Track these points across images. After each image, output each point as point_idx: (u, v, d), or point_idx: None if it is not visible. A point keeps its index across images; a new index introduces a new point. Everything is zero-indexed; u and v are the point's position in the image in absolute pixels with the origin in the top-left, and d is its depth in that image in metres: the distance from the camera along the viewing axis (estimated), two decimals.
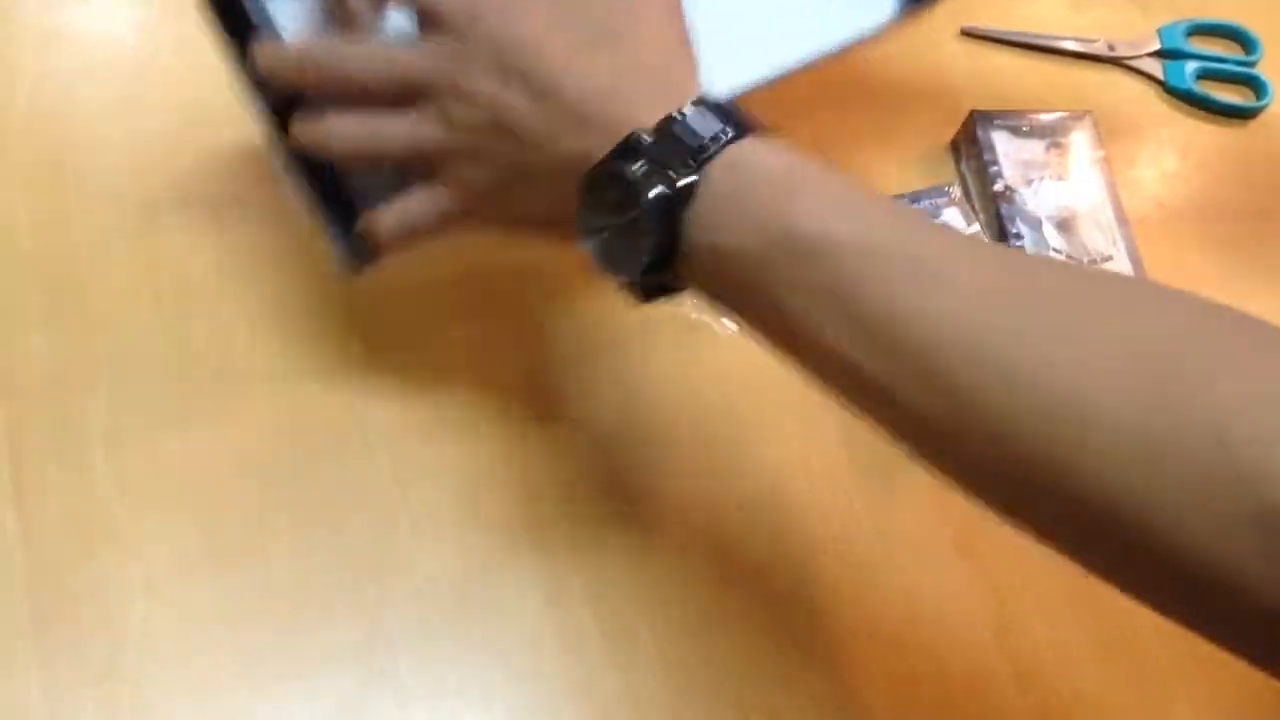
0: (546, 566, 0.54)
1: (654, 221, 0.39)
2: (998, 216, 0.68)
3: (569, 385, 0.59)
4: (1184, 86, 0.77)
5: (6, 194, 0.58)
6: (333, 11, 0.49)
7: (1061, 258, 0.67)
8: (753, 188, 0.39)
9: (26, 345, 0.55)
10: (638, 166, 0.39)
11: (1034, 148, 0.70)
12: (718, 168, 0.40)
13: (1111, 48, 0.78)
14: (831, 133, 0.70)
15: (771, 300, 0.39)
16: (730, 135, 0.40)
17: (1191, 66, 0.77)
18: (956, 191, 0.68)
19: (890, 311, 0.36)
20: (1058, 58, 0.77)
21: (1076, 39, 0.78)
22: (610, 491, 0.57)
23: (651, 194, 0.39)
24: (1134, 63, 0.78)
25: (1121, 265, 0.68)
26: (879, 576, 0.58)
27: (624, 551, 0.56)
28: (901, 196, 0.67)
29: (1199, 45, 0.79)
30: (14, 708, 0.48)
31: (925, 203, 0.67)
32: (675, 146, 0.40)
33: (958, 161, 0.72)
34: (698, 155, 0.39)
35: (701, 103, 0.41)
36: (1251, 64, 0.79)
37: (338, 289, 0.58)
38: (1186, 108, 0.77)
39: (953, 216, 0.67)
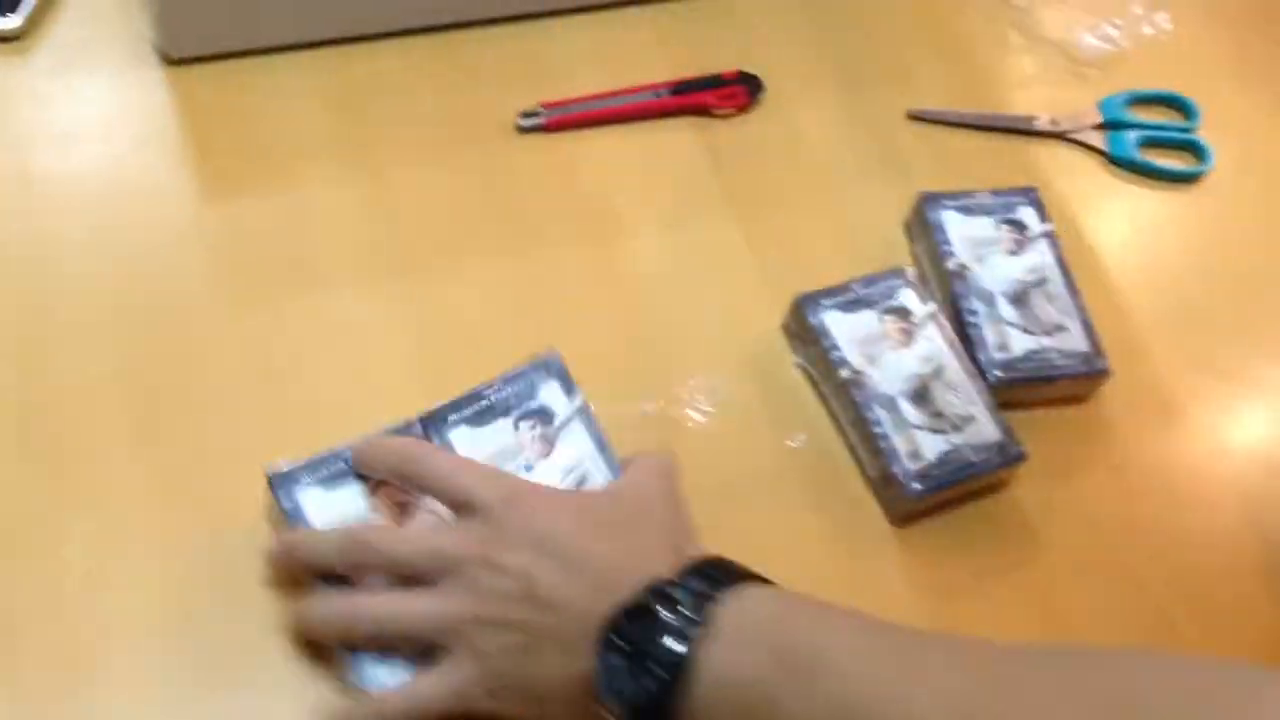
0: None
1: (664, 658, 0.45)
2: (952, 295, 0.70)
3: None
4: (1127, 155, 0.79)
5: None
6: (379, 506, 0.54)
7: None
8: (755, 624, 0.45)
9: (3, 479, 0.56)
10: (659, 608, 0.46)
11: (983, 225, 0.72)
12: (724, 613, 0.46)
13: (1055, 122, 0.80)
14: (787, 223, 0.73)
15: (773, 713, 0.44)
16: (729, 585, 0.47)
17: (1133, 135, 0.80)
18: (912, 272, 0.70)
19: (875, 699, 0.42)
20: (1004, 135, 0.79)
21: (1020, 116, 0.80)
22: None
23: (666, 639, 0.45)
24: (1078, 136, 0.80)
25: (1076, 334, 0.69)
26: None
27: None
28: (858, 280, 0.68)
29: (1139, 115, 0.82)
30: None
31: (882, 285, 0.69)
32: (691, 594, 0.46)
33: (911, 242, 0.74)
34: (704, 604, 0.46)
35: (703, 565, 0.48)
36: (1191, 130, 0.82)
37: None
38: (1131, 176, 0.80)
39: (908, 298, 0.69)
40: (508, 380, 0.59)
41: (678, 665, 0.45)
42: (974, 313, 0.69)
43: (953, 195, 0.73)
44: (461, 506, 0.52)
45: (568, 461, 0.58)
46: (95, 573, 0.55)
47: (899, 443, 0.63)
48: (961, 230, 0.72)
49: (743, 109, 0.76)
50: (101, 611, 0.54)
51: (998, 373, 0.67)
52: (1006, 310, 0.69)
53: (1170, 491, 0.68)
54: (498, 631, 0.49)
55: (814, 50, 0.80)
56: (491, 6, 0.75)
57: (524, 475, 0.57)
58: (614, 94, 0.74)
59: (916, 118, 0.79)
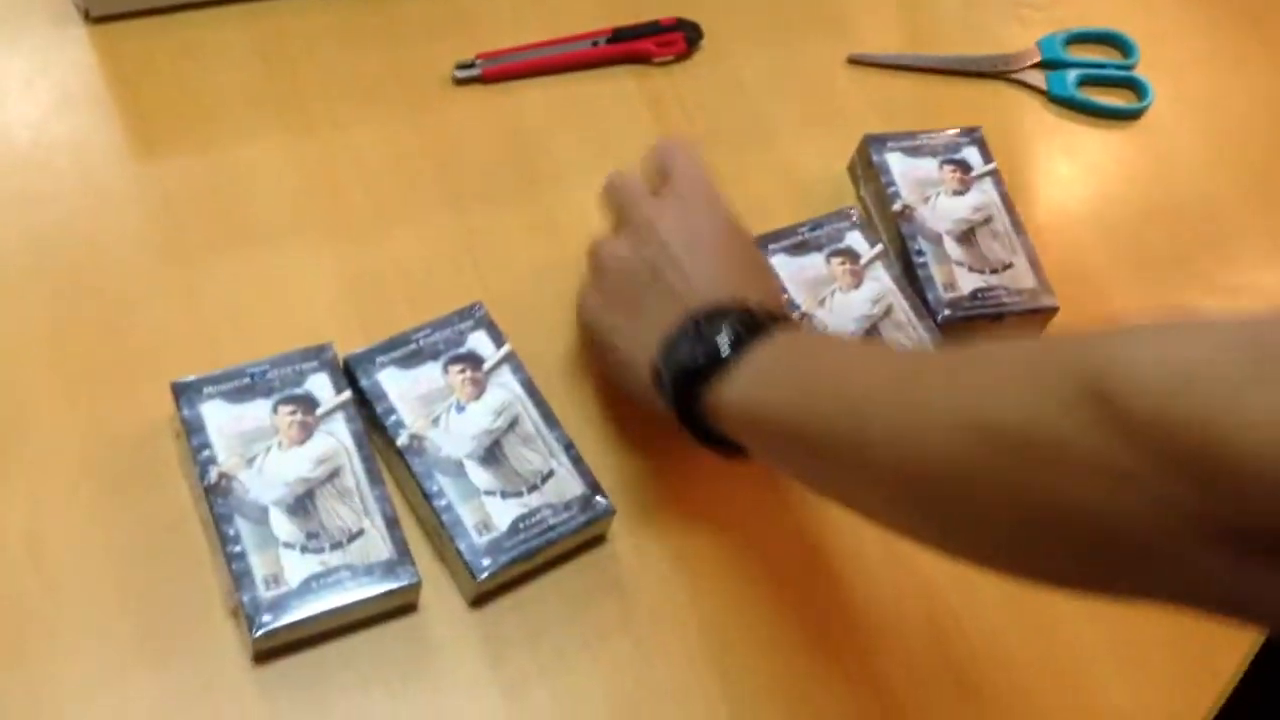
0: None
1: (729, 341, 0.53)
2: (899, 235, 0.69)
3: None
4: (1066, 94, 0.79)
5: None
6: (280, 425, 0.56)
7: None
8: (796, 349, 0.53)
9: None
10: (735, 315, 0.54)
11: (928, 166, 0.72)
12: (781, 331, 0.54)
13: (995, 63, 0.80)
14: (734, 168, 0.72)
15: (783, 392, 0.51)
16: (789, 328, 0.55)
17: (1073, 74, 0.80)
18: (857, 214, 0.70)
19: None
20: (943, 77, 0.79)
21: (960, 58, 0.80)
22: None
23: (732, 332, 0.53)
24: (1018, 75, 0.80)
25: (1022, 272, 0.70)
26: (816, 589, 0.59)
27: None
28: (804, 223, 0.68)
29: (1078, 54, 0.82)
30: None
31: (828, 227, 0.69)
32: (758, 318, 0.54)
33: (856, 186, 0.73)
34: (765, 325, 0.53)
35: (777, 313, 0.56)
36: (1130, 67, 0.82)
37: None
38: (1071, 114, 0.80)
39: (855, 239, 0.69)
40: (435, 327, 0.59)
41: (730, 348, 0.52)
42: (921, 253, 0.69)
43: (896, 136, 0.72)
44: (662, 179, 0.61)
45: (498, 403, 0.58)
46: (36, 535, 0.53)
47: None
48: (906, 171, 0.71)
49: (682, 56, 0.75)
50: (46, 573, 0.52)
51: (946, 311, 0.67)
52: (954, 250, 0.69)
53: None
54: (620, 281, 0.58)
55: None
56: None
57: (456, 416, 0.57)
58: (551, 43, 0.73)
59: (856, 62, 0.78)
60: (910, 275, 0.68)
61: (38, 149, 0.64)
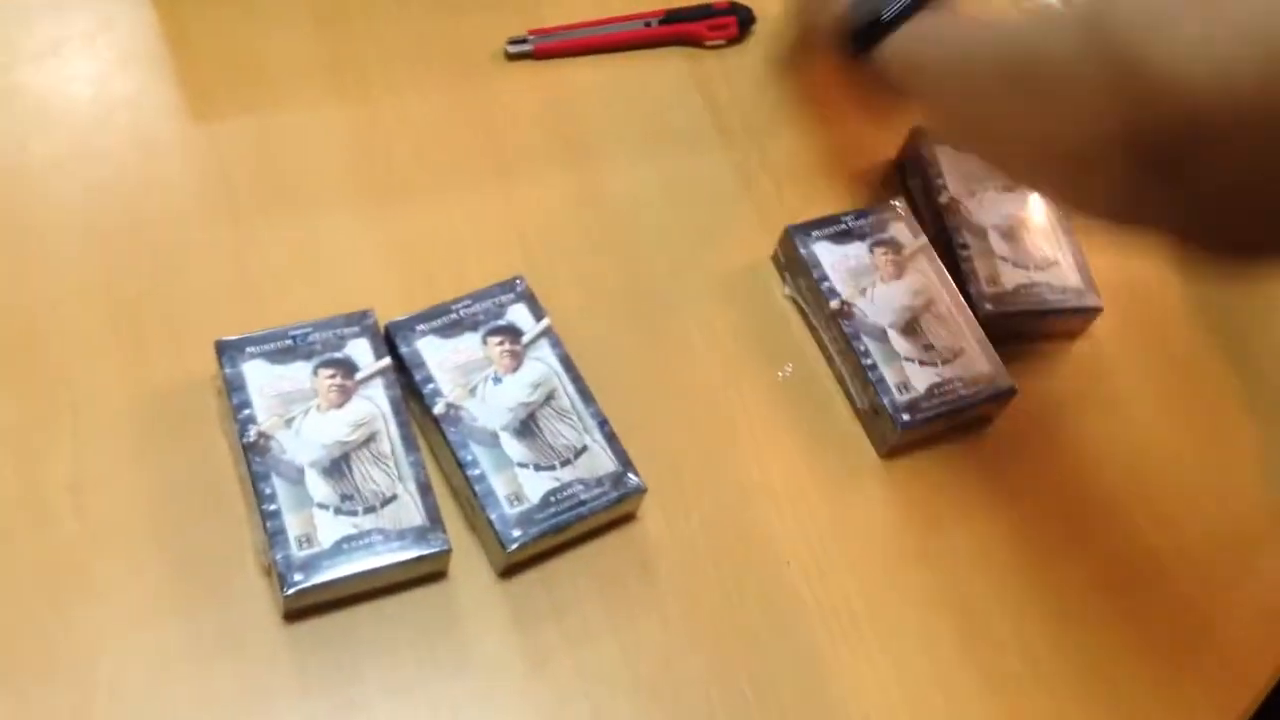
0: None
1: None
2: (944, 229, 0.69)
3: None
4: None
5: None
6: (319, 387, 0.56)
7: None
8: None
9: None
10: None
11: (977, 160, 0.71)
12: None
13: None
14: (779, 156, 0.72)
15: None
16: None
17: None
18: (903, 206, 0.69)
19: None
20: None
21: None
22: None
23: None
24: None
25: (1067, 269, 0.69)
26: (844, 585, 0.59)
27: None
28: (849, 213, 0.68)
29: None
30: None
31: (873, 218, 0.68)
32: None
33: (904, 178, 0.73)
34: None
35: None
36: None
37: None
38: None
39: (899, 231, 0.68)
40: (476, 298, 0.60)
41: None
42: (965, 246, 0.68)
43: None
44: None
45: (535, 376, 0.58)
46: (78, 482, 0.54)
47: (888, 374, 0.63)
48: (956, 164, 0.71)
49: (733, 40, 0.75)
50: (86, 519, 0.54)
51: (988, 306, 0.67)
52: (998, 244, 0.69)
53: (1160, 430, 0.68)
54: None
55: None
56: None
57: (493, 387, 0.57)
58: (603, 22, 0.73)
59: None
60: (953, 269, 0.68)
61: (97, 105, 0.65)
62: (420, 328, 0.59)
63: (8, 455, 0.54)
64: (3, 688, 0.50)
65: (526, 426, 0.57)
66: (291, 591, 0.52)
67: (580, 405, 0.58)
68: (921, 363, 0.64)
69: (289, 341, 0.57)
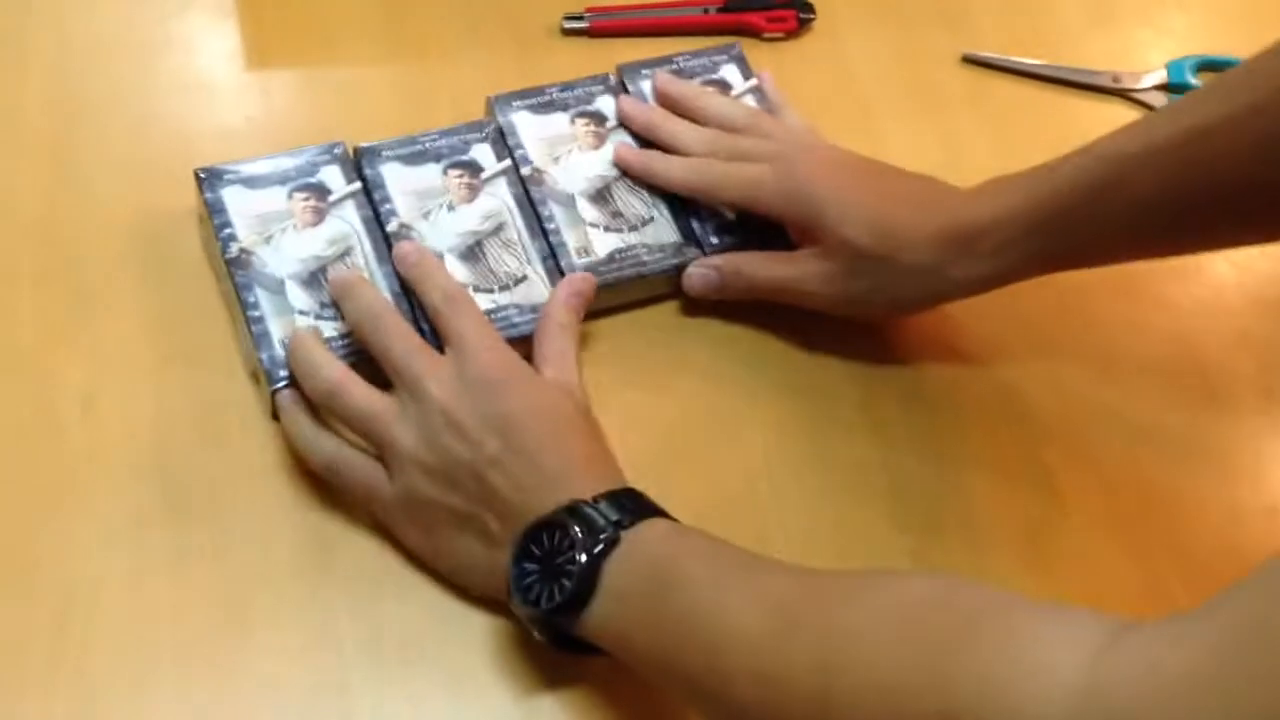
0: None
1: (579, 572, 0.48)
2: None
3: None
4: None
5: (16, 168, 0.62)
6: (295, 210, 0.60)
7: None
8: (648, 549, 0.49)
9: (15, 308, 0.58)
10: (576, 528, 0.49)
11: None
12: (627, 537, 0.49)
13: (1116, 79, 0.78)
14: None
15: (648, 632, 0.48)
16: (638, 516, 0.50)
17: None
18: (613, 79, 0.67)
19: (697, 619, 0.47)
20: (1059, 87, 0.77)
21: (1080, 70, 0.78)
22: None
23: (581, 556, 0.48)
24: (1139, 96, 0.78)
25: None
26: None
27: None
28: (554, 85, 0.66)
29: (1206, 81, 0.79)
30: None
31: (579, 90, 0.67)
32: (603, 517, 0.49)
33: None
34: (612, 528, 0.49)
35: (619, 493, 0.51)
36: None
37: None
38: None
39: (606, 103, 0.67)
40: (443, 134, 0.63)
41: (582, 581, 0.48)
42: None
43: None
44: (450, 343, 0.55)
45: (488, 209, 0.62)
46: (92, 402, 0.56)
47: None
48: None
49: (791, 34, 0.75)
50: (93, 439, 0.56)
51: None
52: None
53: None
54: (433, 485, 0.52)
55: None
56: None
57: (445, 215, 0.61)
58: (661, 4, 0.74)
59: (970, 61, 0.77)
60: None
61: (154, 45, 0.67)
62: (386, 154, 0.62)
63: (30, 363, 0.57)
64: None
65: (472, 252, 0.61)
66: (277, 387, 0.55)
67: (527, 239, 0.61)
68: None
69: (266, 168, 0.60)
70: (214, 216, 0.59)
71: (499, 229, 0.62)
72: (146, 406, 0.57)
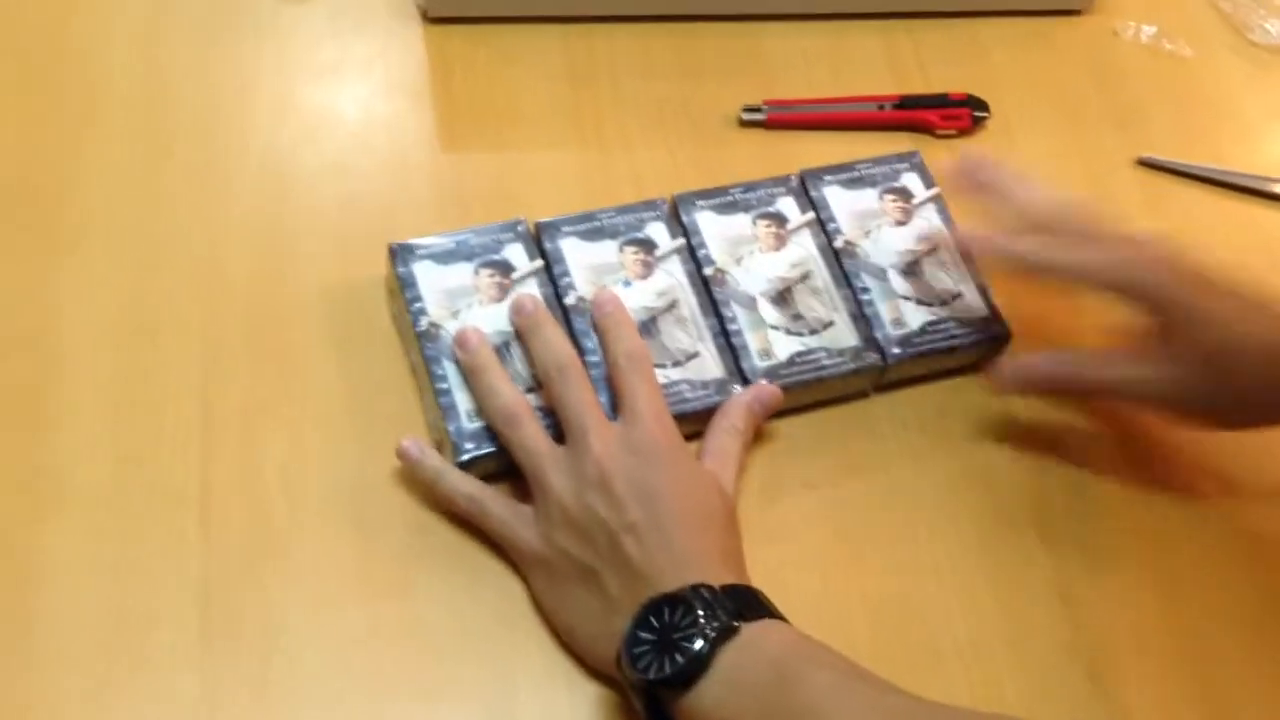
0: None
1: (695, 652, 0.49)
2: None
3: None
4: None
5: (231, 240, 0.66)
6: (480, 286, 0.63)
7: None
8: (768, 646, 0.50)
9: (227, 380, 0.62)
10: (700, 609, 0.50)
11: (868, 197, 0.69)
12: (747, 630, 0.50)
13: None
14: None
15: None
16: (757, 614, 0.51)
17: None
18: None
19: None
20: (1238, 195, 0.77)
21: (1261, 178, 0.77)
22: None
23: (699, 638, 0.49)
24: None
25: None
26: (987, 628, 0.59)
27: None
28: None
29: None
30: (174, 703, 0.53)
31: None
32: (725, 608, 0.50)
33: None
34: (733, 619, 0.50)
35: (743, 589, 0.52)
36: None
37: None
38: None
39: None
40: (619, 211, 0.66)
41: (695, 661, 0.49)
42: (866, 290, 0.66)
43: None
44: (623, 402, 0.57)
45: (662, 286, 0.64)
46: (290, 468, 0.60)
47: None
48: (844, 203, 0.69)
49: (965, 131, 0.76)
50: (294, 502, 0.59)
51: (896, 350, 0.64)
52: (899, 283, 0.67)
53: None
54: (569, 536, 0.55)
55: (1047, 84, 0.80)
56: (727, 3, 0.78)
57: (621, 290, 0.63)
58: (838, 100, 0.76)
59: (1146, 164, 0.77)
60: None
61: (361, 125, 0.71)
62: (565, 229, 0.65)
63: (240, 432, 0.60)
64: (199, 643, 0.55)
65: (647, 328, 0.63)
66: (464, 458, 0.58)
67: (699, 316, 0.63)
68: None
69: (453, 245, 0.63)
70: (405, 290, 0.62)
71: (672, 306, 0.64)
72: (343, 475, 0.59)
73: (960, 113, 0.76)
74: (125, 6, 0.73)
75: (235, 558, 0.57)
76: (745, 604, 0.51)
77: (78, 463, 0.58)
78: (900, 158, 0.70)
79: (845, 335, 0.64)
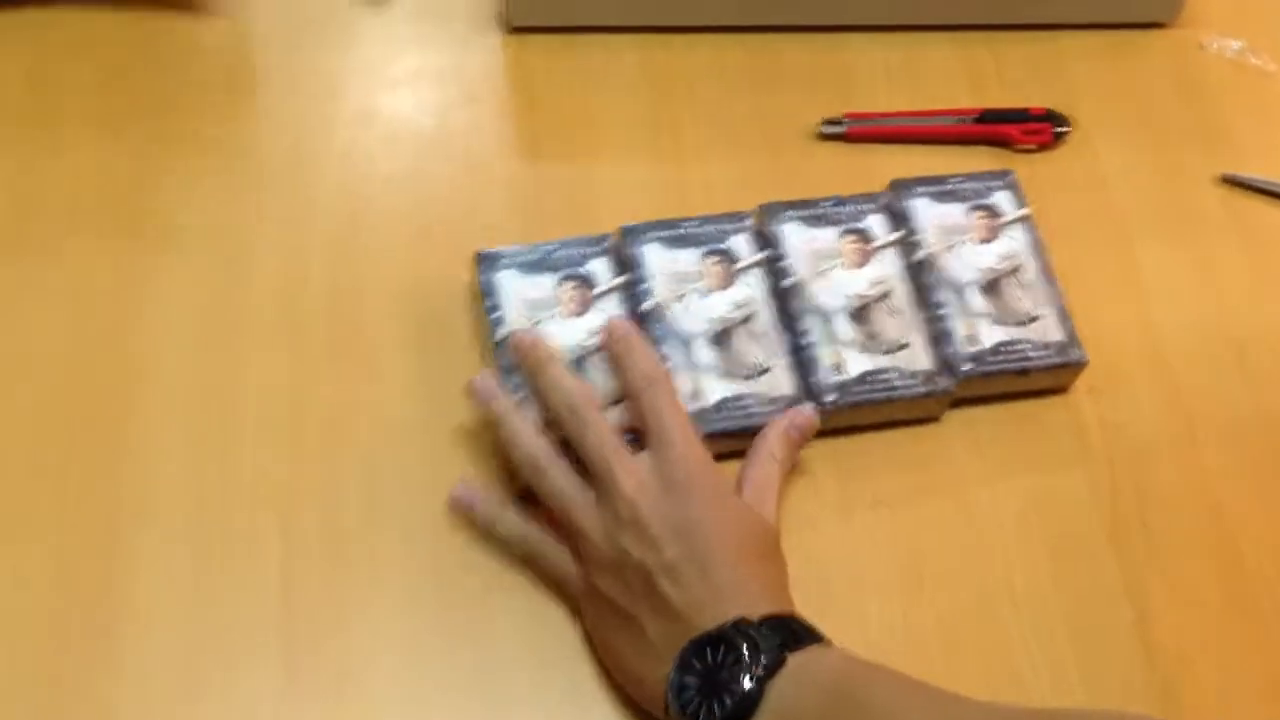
0: None
1: (745, 691, 0.48)
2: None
3: None
4: None
5: (309, 246, 0.67)
6: (560, 299, 0.62)
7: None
8: (819, 674, 0.49)
9: (311, 387, 0.62)
10: (744, 646, 0.49)
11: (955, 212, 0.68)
12: (793, 660, 0.49)
13: None
14: (1076, 268, 0.71)
15: None
16: (802, 642, 0.50)
17: None
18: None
19: None
20: None
21: None
22: None
23: (746, 676, 0.48)
24: None
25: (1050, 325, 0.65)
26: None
27: None
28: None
29: None
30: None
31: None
32: (769, 640, 0.49)
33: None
34: (778, 652, 0.49)
35: (787, 619, 0.51)
36: None
37: None
38: None
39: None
40: (704, 221, 0.66)
41: (746, 700, 0.48)
42: (941, 304, 0.65)
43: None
44: (649, 430, 0.56)
45: (740, 298, 0.64)
46: (371, 477, 0.60)
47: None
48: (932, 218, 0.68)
49: (1045, 146, 0.75)
50: (374, 552, 0.59)
51: (968, 365, 0.64)
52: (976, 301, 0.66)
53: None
54: (606, 579, 0.54)
55: (1129, 98, 0.78)
56: (806, 14, 0.77)
57: (698, 300, 0.63)
58: (918, 114, 0.75)
59: (1231, 181, 0.76)
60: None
61: (439, 133, 0.72)
62: (649, 235, 0.65)
63: (317, 469, 0.61)
64: (286, 697, 0.55)
65: (719, 339, 0.63)
66: None
67: (775, 333, 0.63)
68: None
69: (538, 256, 0.63)
70: (486, 298, 0.62)
71: (749, 319, 0.63)
72: (422, 485, 0.60)
73: (1041, 127, 0.75)
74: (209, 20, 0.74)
75: (317, 585, 0.57)
76: (788, 633, 0.50)
77: (160, 473, 0.59)
78: (995, 175, 0.70)
79: (920, 358, 0.64)
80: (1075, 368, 0.66)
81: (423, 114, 0.73)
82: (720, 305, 0.63)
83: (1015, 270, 0.67)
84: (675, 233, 0.65)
